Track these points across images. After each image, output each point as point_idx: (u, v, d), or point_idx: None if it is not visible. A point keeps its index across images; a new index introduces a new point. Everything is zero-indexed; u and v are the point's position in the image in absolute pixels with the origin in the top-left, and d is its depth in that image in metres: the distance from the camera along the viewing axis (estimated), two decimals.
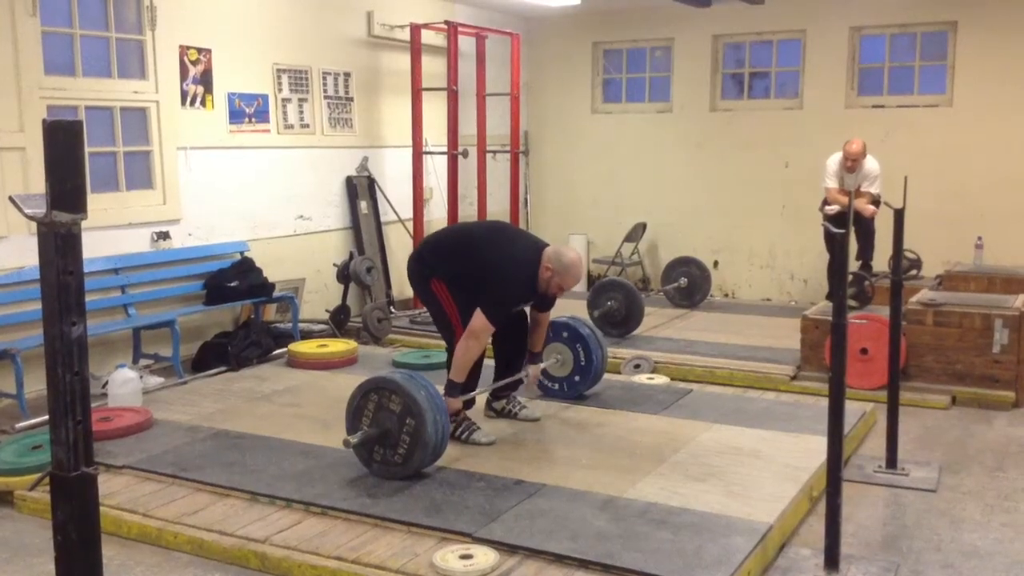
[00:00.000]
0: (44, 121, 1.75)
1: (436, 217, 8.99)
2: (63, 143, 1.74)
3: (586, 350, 5.54)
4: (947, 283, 7.74)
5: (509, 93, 9.23)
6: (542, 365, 5.29)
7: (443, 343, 5.30)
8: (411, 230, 8.66)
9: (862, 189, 7.46)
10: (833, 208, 7.29)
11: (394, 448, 4.23)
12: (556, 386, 5.62)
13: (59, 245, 1.76)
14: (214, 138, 7.06)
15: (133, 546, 3.89)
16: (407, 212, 8.70)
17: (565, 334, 5.55)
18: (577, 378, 5.59)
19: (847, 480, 3.98)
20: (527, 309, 5.08)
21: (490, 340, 4.80)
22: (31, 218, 1.76)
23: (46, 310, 1.79)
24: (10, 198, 1.85)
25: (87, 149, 6.09)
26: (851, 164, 7.41)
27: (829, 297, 7.24)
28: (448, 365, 4.94)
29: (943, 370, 6.11)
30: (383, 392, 4.26)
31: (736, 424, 5.13)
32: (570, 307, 7.00)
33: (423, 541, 3.68)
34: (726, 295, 9.94)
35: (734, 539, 3.62)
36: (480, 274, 4.66)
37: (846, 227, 3.66)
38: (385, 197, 8.63)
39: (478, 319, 4.58)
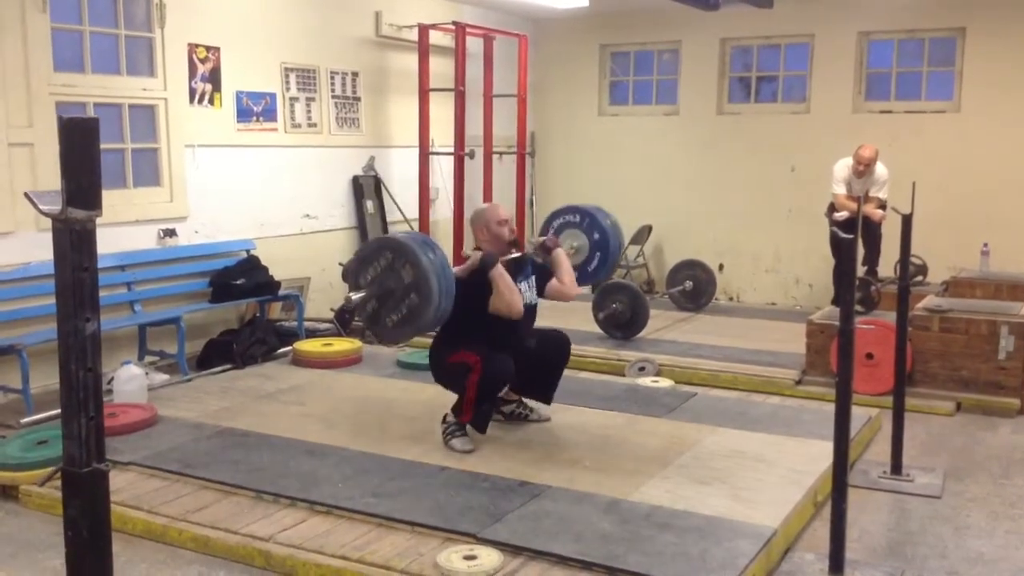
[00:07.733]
0: (60, 119, 1.76)
1: (442, 217, 9.00)
2: (79, 141, 1.75)
3: (602, 235, 5.48)
4: (953, 289, 7.73)
5: (516, 94, 9.23)
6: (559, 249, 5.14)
7: None
8: (417, 230, 8.66)
9: (871, 194, 7.45)
10: (843, 214, 7.26)
11: (388, 311, 4.25)
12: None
13: (74, 242, 1.77)
14: (222, 136, 7.07)
15: (138, 543, 3.90)
16: (413, 212, 8.70)
17: (577, 217, 5.51)
18: (593, 265, 5.52)
19: (852, 485, 3.98)
20: (538, 307, 5.03)
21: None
22: (46, 214, 1.77)
23: (60, 306, 1.80)
24: (26, 194, 1.85)
25: None
26: (863, 169, 7.40)
27: (835, 302, 7.23)
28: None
29: (949, 376, 6.10)
30: (400, 258, 4.22)
31: (741, 428, 5.14)
32: (575, 308, 7.01)
33: (427, 541, 3.68)
34: (731, 298, 9.93)
35: (739, 543, 3.62)
36: (464, 305, 4.47)
37: (854, 232, 3.66)
38: (391, 197, 8.64)
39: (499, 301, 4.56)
